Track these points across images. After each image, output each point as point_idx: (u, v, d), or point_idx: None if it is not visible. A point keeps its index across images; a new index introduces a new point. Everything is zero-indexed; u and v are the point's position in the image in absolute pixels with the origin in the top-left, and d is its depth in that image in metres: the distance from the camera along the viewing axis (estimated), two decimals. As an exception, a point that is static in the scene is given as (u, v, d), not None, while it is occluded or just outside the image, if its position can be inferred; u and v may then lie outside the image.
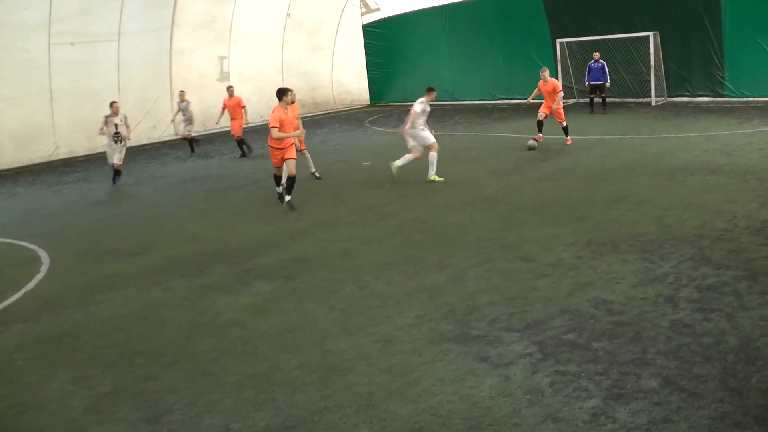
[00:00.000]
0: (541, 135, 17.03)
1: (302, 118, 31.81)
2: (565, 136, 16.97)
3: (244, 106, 20.41)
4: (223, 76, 28.76)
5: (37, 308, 8.50)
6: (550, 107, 16.92)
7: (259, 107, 30.03)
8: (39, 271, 10.14)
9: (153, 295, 8.58)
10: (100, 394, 5.98)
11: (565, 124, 16.89)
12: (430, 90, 14.34)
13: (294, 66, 31.70)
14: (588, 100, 23.05)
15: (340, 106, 34.21)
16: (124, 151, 17.18)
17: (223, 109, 20.75)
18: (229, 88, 20.81)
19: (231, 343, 6.81)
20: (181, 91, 22.24)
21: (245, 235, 11.12)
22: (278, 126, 12.23)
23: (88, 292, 8.97)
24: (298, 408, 5.39)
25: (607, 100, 22.77)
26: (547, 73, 17.16)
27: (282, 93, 12.60)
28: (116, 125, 16.88)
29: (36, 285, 9.51)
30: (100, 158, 20.79)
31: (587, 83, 22.85)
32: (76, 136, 23.37)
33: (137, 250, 10.91)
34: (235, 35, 28.77)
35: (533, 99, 17.75)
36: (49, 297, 8.92)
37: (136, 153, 22.81)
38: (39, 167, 22.29)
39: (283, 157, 12.51)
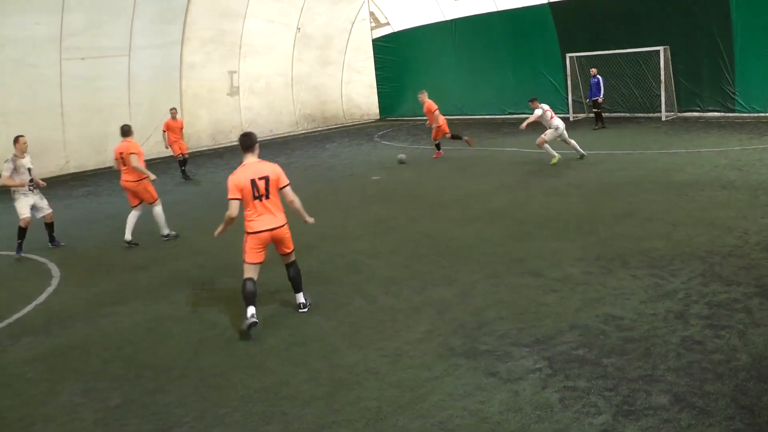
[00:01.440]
0: (440, 151, 19.58)
1: (313, 132, 31.90)
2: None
3: (182, 128, 20.52)
4: (233, 90, 28.93)
5: (47, 321, 8.53)
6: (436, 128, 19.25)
7: (269, 121, 30.25)
8: (49, 285, 10.19)
9: (161, 309, 8.59)
10: (109, 407, 5.99)
11: (437, 141, 19.52)
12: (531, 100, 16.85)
13: (304, 80, 31.88)
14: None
15: (350, 121, 34.33)
16: (44, 199, 12.88)
17: (165, 131, 20.63)
18: (172, 110, 20.76)
19: (239, 356, 6.81)
20: None
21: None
22: (239, 197, 7.47)
23: (97, 306, 8.99)
24: (307, 422, 5.38)
25: (618, 115, 22.77)
26: (424, 95, 19.60)
27: (253, 141, 7.70)
28: (29, 169, 12.48)
29: (46, 298, 9.55)
30: (110, 173, 20.86)
31: (590, 99, 23.00)
32: (86, 150, 23.53)
33: (145, 263, 10.94)
34: (244, 50, 28.94)
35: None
36: (59, 310, 8.95)
37: (148, 167, 22.86)
38: (49, 181, 22.24)
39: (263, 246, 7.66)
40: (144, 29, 24.81)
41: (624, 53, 23.62)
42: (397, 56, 33.00)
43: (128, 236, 12.16)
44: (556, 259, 8.98)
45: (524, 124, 16.46)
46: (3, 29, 21.18)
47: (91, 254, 12.13)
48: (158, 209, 12.34)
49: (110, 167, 23.72)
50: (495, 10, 28.12)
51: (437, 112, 19.10)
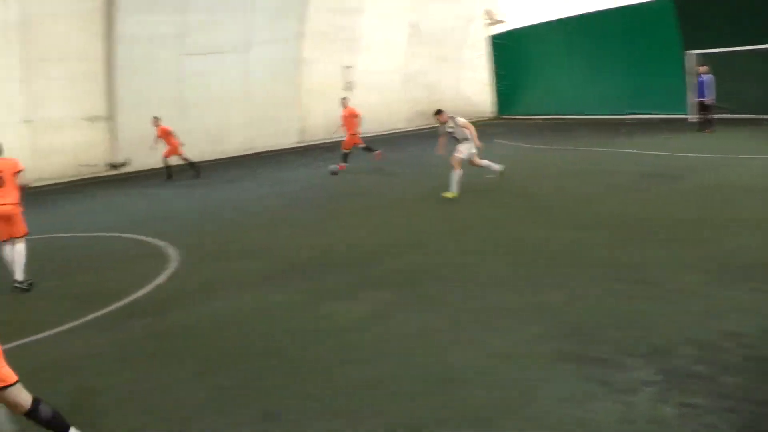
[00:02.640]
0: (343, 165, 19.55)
1: (426, 129, 31.78)
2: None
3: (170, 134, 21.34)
4: (348, 85, 29.27)
5: (164, 302, 8.91)
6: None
7: (382, 118, 30.44)
8: (167, 267, 10.62)
9: (273, 297, 8.79)
10: (219, 387, 6.17)
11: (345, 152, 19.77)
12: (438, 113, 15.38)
13: (418, 77, 31.89)
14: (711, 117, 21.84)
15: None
16: None
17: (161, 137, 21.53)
18: (155, 120, 21.51)
19: (348, 348, 6.87)
20: None
21: (364, 243, 11.23)
22: None
23: (211, 290, 9.29)
24: (410, 418, 5.35)
25: (743, 117, 21.49)
26: (346, 101, 20.28)
27: None
28: None
29: (164, 280, 9.96)
30: (225, 164, 21.64)
31: (697, 100, 21.94)
32: (203, 142, 24.38)
33: (259, 252, 11.22)
34: (359, 45, 29.23)
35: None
36: (176, 292, 9.33)
37: (262, 159, 23.56)
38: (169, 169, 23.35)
39: None
40: (261, 25, 25.48)
41: (754, 50, 22.03)
42: (513, 54, 32.55)
43: (20, 276, 9.99)
44: (672, 267, 8.61)
45: (440, 148, 15.54)
46: (129, 27, 22.32)
47: (207, 240, 12.55)
48: (23, 246, 10.07)
49: (226, 158, 24.56)
50: (613, 5, 27.22)
51: (357, 119, 19.93)
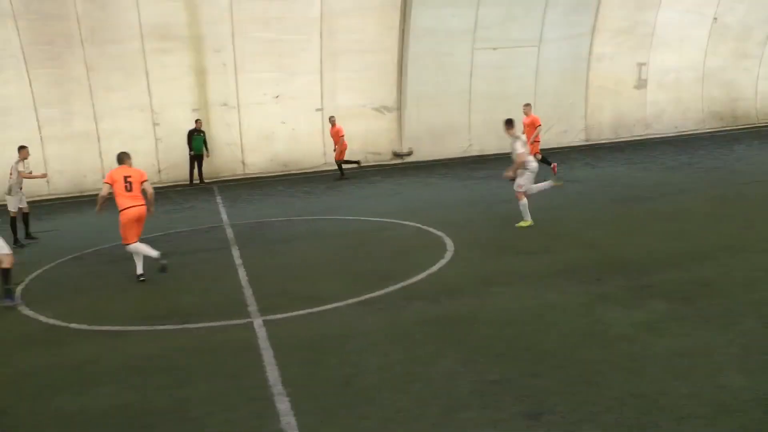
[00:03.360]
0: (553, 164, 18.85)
1: (720, 131, 29.53)
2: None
3: (342, 136, 21.57)
4: (640, 83, 28.00)
5: (438, 290, 9.25)
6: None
7: (674, 118, 28.76)
8: (443, 257, 10.98)
9: (547, 296, 8.71)
10: (485, 380, 6.27)
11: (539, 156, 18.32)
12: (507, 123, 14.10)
13: (715, 75, 29.57)
14: None
15: (763, 121, 31.05)
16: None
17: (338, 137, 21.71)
18: (331, 119, 21.89)
19: (619, 357, 6.62)
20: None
21: (645, 249, 10.70)
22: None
23: (485, 283, 9.45)
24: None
25: None
26: (529, 109, 19.36)
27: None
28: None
29: (439, 269, 10.33)
30: (509, 158, 21.75)
31: None
32: (489, 135, 24.66)
33: (537, 249, 11.17)
34: (655, 41, 27.76)
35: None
36: (450, 281, 9.63)
37: (546, 155, 23.37)
38: (452, 161, 24.08)
39: None
40: (555, 21, 25.19)
41: None
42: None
43: (156, 253, 10.77)
44: None
45: (511, 171, 13.24)
46: (423, 21, 23.31)
47: (485, 233, 12.78)
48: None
49: (509, 153, 24.71)
50: None
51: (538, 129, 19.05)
